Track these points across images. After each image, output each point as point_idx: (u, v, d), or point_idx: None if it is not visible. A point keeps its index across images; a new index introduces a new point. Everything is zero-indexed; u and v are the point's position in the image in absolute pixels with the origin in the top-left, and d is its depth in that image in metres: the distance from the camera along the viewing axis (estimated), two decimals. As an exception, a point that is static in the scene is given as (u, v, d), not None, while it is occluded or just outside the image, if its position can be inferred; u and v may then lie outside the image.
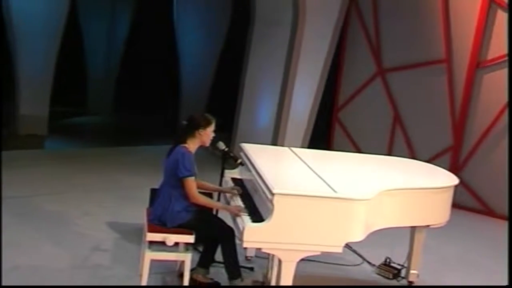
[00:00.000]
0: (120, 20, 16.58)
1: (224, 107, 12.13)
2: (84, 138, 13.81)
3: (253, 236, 4.43)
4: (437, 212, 5.51)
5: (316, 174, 5.19)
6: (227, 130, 11.33)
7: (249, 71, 10.53)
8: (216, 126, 5.28)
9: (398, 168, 6.13)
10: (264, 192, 4.68)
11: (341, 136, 10.80)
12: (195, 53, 13.97)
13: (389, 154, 9.92)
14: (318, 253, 4.63)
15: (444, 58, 9.25)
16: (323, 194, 4.50)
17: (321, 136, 10.91)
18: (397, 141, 10.00)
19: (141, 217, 6.21)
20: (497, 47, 8.77)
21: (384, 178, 5.49)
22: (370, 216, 4.69)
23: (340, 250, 4.57)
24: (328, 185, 4.76)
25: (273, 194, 4.36)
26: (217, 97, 14.16)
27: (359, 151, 10.42)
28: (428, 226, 5.66)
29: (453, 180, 5.76)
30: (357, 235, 4.58)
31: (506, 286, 6.12)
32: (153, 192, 6.26)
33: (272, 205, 4.37)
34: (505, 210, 8.92)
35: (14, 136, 12.51)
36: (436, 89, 9.42)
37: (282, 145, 9.98)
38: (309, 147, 10.37)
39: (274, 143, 10.05)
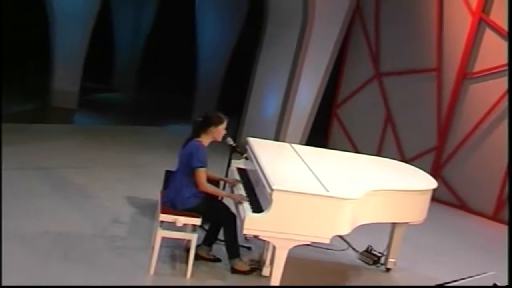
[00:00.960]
0: (147, 7, 16.31)
1: (235, 94, 12.15)
2: (108, 114, 13.60)
3: (252, 224, 4.55)
4: (416, 211, 5.56)
5: (312, 172, 5.24)
6: (236, 115, 11.44)
7: (260, 67, 10.48)
8: (227, 125, 5.35)
9: (384, 170, 6.14)
10: (264, 186, 4.77)
11: (338, 130, 10.77)
12: (212, 43, 13.77)
13: (379, 149, 10.07)
14: (308, 243, 4.75)
15: (435, 67, 9.24)
16: (316, 192, 4.59)
17: (321, 129, 10.86)
18: (387, 138, 9.99)
19: (155, 193, 6.40)
20: (483, 61, 8.78)
21: (372, 179, 5.53)
22: (356, 212, 4.78)
23: (328, 241, 4.68)
24: (322, 184, 4.83)
25: (272, 190, 4.47)
26: (229, 84, 14.10)
27: (353, 144, 10.50)
28: (407, 223, 5.72)
29: (432, 184, 5.78)
30: (344, 229, 4.69)
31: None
32: (168, 174, 6.30)
33: (271, 199, 4.48)
34: (478, 206, 9.00)
35: (46, 109, 12.53)
36: (426, 95, 9.41)
37: (285, 135, 10.08)
38: (308, 138, 10.45)
39: (278, 133, 10.09)
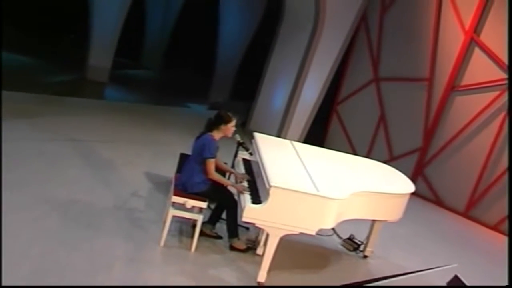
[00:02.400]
0: None
1: (247, 82, 12.16)
2: (135, 90, 13.43)
3: (250, 214, 4.67)
4: (394, 211, 5.62)
5: (307, 171, 5.30)
6: (247, 101, 11.50)
7: (272, 63, 10.48)
8: (236, 124, 5.39)
9: (371, 172, 6.16)
10: (264, 180, 4.85)
11: (337, 124, 10.79)
12: (231, 34, 13.77)
13: (371, 145, 10.15)
14: (297, 233, 4.80)
15: (427, 78, 9.25)
16: (308, 191, 4.66)
17: (322, 122, 10.86)
18: (379, 135, 10.03)
19: (170, 172, 6.49)
20: (470, 76, 8.79)
21: (358, 180, 5.57)
22: (341, 209, 4.86)
23: (313, 233, 4.78)
24: (313, 183, 4.90)
25: (270, 186, 4.57)
26: (243, 72, 14.08)
27: (348, 138, 10.56)
28: (385, 220, 5.79)
29: (410, 188, 5.80)
30: (329, 224, 4.82)
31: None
32: (182, 157, 6.35)
33: (269, 193, 4.58)
34: (451, 203, 9.09)
35: (81, 81, 12.48)
36: (416, 101, 9.41)
37: (289, 126, 10.13)
38: (310, 130, 10.47)
39: (282, 123, 10.14)
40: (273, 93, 10.49)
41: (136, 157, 7.68)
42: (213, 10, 14.40)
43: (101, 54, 12.72)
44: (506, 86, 8.33)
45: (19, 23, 15.24)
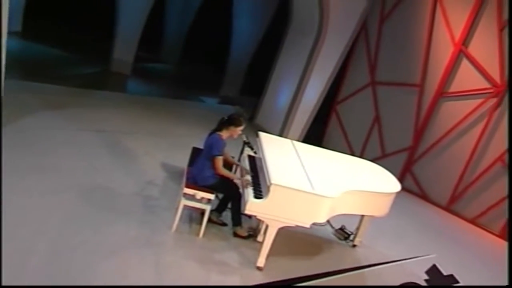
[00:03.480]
0: None
1: (256, 79, 12.07)
2: (154, 82, 13.36)
3: (252, 207, 4.77)
4: (381, 208, 5.68)
5: (304, 170, 5.37)
6: (255, 96, 11.52)
7: (278, 64, 10.49)
8: (245, 123, 5.44)
9: (363, 172, 6.18)
10: (266, 177, 4.95)
11: (335, 123, 10.80)
12: (243, 33, 13.70)
13: (366, 142, 10.17)
14: (293, 225, 4.89)
15: (419, 84, 9.24)
16: (304, 189, 4.75)
17: (322, 120, 10.83)
18: (373, 134, 10.03)
19: (183, 162, 6.53)
20: (458, 84, 8.78)
21: (351, 179, 5.63)
22: (334, 205, 4.94)
23: (308, 226, 4.87)
24: (310, 181, 4.98)
25: (271, 183, 4.66)
26: (253, 70, 14.00)
27: (345, 136, 10.58)
28: (373, 216, 5.88)
29: (397, 188, 5.83)
30: (322, 219, 4.90)
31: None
32: (194, 150, 6.38)
33: (269, 190, 4.67)
34: (435, 198, 9.11)
35: (106, 73, 12.48)
36: (408, 104, 9.41)
37: (291, 123, 10.12)
38: (310, 127, 10.45)
39: (286, 121, 10.14)
40: (279, 92, 10.49)
41: (154, 148, 7.67)
42: (226, 12, 14.31)
43: (124, 48, 12.72)
44: (489, 94, 8.36)
45: (54, 17, 15.33)
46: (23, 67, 10.20)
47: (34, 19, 13.76)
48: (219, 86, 14.40)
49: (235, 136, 5.43)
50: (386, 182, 5.99)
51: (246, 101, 12.70)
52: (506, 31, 8.12)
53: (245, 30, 13.72)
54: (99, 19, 14.54)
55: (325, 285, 5.27)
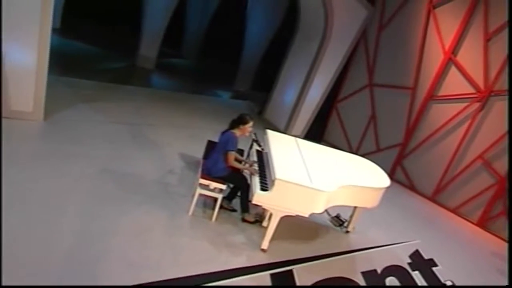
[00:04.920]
0: None
1: (266, 75, 12.08)
2: (175, 76, 13.33)
3: (258, 198, 4.86)
4: (372, 200, 5.71)
5: (305, 166, 5.42)
6: (265, 91, 11.50)
7: (286, 65, 10.50)
8: (253, 124, 5.50)
9: (357, 168, 6.17)
10: (271, 171, 5.04)
11: (335, 119, 10.81)
12: (256, 33, 13.66)
13: (362, 138, 10.18)
14: (294, 214, 4.97)
15: (412, 87, 9.23)
16: (303, 183, 4.82)
17: (323, 116, 10.84)
18: (369, 131, 10.06)
19: (199, 152, 6.56)
20: (445, 89, 8.76)
21: (346, 175, 5.64)
22: (330, 198, 5.01)
23: (307, 216, 4.94)
24: (309, 177, 5.04)
25: (275, 178, 4.75)
26: (263, 67, 14.00)
27: (344, 131, 10.60)
28: (365, 207, 5.89)
29: (387, 183, 5.84)
30: (319, 209, 4.96)
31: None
32: (209, 143, 6.39)
33: (273, 184, 4.76)
34: (422, 189, 9.11)
35: (132, 68, 12.55)
36: (401, 105, 9.43)
37: (296, 119, 10.16)
38: (313, 123, 10.48)
39: (291, 116, 10.18)
40: (286, 90, 10.53)
41: (174, 139, 7.73)
42: (241, 15, 14.32)
43: (149, 45, 12.76)
44: (474, 99, 8.36)
45: (86, 15, 15.39)
46: (61, 63, 10.31)
47: (69, 16, 13.83)
48: (233, 81, 14.41)
49: (247, 134, 5.50)
50: (378, 178, 6.00)
51: (257, 96, 12.73)
52: (491, 42, 8.09)
53: (257, 31, 13.70)
54: (127, 17, 14.59)
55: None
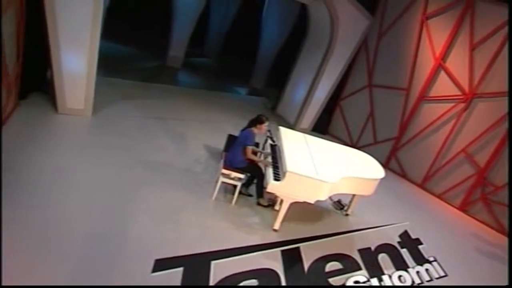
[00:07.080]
0: (234, 2, 15.43)
1: (279, 73, 11.86)
2: (199, 74, 13.22)
3: (272, 187, 5.03)
4: (368, 189, 5.81)
5: (312, 159, 5.54)
6: (277, 88, 11.42)
7: (297, 67, 10.49)
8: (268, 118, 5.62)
9: (357, 161, 6.21)
10: (283, 164, 5.19)
11: (339, 115, 10.74)
12: (270, 35, 13.45)
13: (362, 132, 10.13)
14: (302, 201, 5.10)
15: (406, 88, 9.17)
16: (310, 175, 4.97)
17: (328, 112, 10.72)
18: (368, 125, 10.01)
19: (221, 144, 6.68)
20: (435, 91, 8.69)
21: (347, 167, 5.73)
22: (332, 187, 5.14)
23: (312, 202, 5.07)
24: (315, 169, 5.18)
25: (286, 170, 4.91)
26: (277, 66, 13.66)
27: (346, 126, 10.53)
28: (362, 195, 6.00)
29: (382, 174, 5.92)
30: (323, 197, 5.10)
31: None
32: (229, 137, 6.48)
33: (285, 175, 4.92)
34: (413, 177, 9.05)
35: (162, 67, 12.51)
36: (396, 104, 9.38)
37: (304, 114, 10.16)
38: (319, 118, 10.44)
39: (300, 112, 10.18)
40: (296, 89, 10.55)
41: (199, 132, 7.82)
42: (258, 18, 14.18)
43: (178, 45, 12.65)
44: (459, 100, 8.32)
45: (124, 18, 15.32)
46: (103, 64, 10.44)
47: (110, 21, 13.81)
48: (249, 78, 14.36)
49: (263, 132, 5.64)
50: (374, 170, 6.08)
51: (271, 92, 12.70)
52: (476, 51, 8.06)
53: (272, 33, 13.52)
54: (157, 19, 14.50)
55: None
